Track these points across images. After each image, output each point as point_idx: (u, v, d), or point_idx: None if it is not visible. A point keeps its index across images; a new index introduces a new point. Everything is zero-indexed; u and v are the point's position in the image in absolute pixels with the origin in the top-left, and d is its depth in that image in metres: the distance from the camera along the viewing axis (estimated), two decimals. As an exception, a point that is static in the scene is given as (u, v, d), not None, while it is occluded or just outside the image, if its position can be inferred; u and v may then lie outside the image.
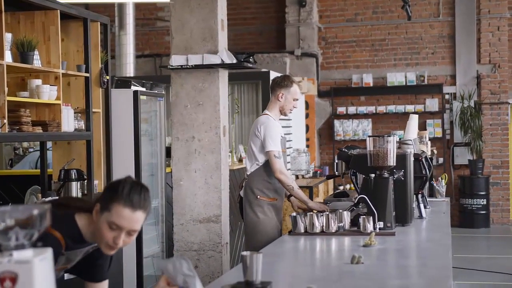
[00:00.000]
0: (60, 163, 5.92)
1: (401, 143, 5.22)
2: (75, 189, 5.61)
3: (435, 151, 9.57)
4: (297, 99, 5.53)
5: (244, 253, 2.81)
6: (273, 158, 5.23)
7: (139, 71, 12.62)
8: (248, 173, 5.44)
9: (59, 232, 2.63)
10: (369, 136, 4.59)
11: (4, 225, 1.83)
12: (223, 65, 6.28)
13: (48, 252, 1.87)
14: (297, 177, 10.03)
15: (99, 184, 6.01)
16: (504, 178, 12.85)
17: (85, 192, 5.82)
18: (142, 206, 2.61)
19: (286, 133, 10.44)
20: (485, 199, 12.46)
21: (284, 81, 5.49)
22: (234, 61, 6.33)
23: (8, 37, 4.86)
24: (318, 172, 11.24)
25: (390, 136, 4.56)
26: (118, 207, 2.59)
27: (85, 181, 5.79)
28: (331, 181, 11.38)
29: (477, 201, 12.43)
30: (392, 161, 4.52)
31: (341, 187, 12.70)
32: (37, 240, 2.06)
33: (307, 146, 12.48)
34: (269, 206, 5.36)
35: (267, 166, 5.31)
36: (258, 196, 5.34)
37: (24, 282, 1.80)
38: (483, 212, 12.48)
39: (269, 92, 9.89)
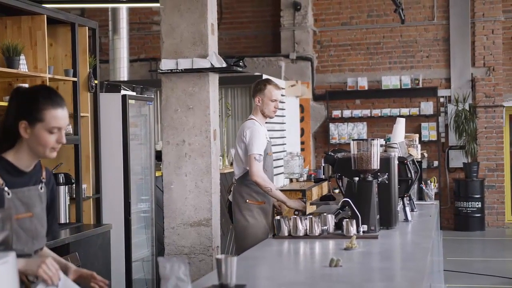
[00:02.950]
0: (48, 167, 5.92)
1: (387, 146, 5.23)
2: (63, 193, 5.62)
3: (426, 154, 9.59)
4: (275, 100, 5.57)
5: (219, 256, 2.84)
6: (252, 160, 5.32)
7: (135, 75, 12.64)
8: (236, 178, 5.49)
9: None
10: (353, 140, 4.60)
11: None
12: (213, 69, 6.30)
13: (11, 256, 1.89)
14: (291, 180, 10.05)
15: (87, 188, 6.02)
16: (499, 181, 12.86)
17: (73, 196, 5.83)
18: (63, 101, 2.80)
19: (280, 136, 10.48)
20: (480, 202, 12.46)
21: (258, 85, 5.61)
22: (224, 65, 6.34)
23: (-6, 42, 4.89)
24: (313, 175, 11.26)
25: (374, 139, 4.57)
26: (50, 112, 2.72)
27: (73, 185, 5.80)
28: (325, 184, 11.39)
29: (472, 204, 12.44)
30: (376, 164, 4.53)
31: (337, 191, 12.72)
32: None
33: (302, 149, 12.50)
34: (258, 209, 5.41)
35: None
36: (247, 200, 5.40)
37: (-16, 285, 1.81)
38: (478, 215, 12.49)
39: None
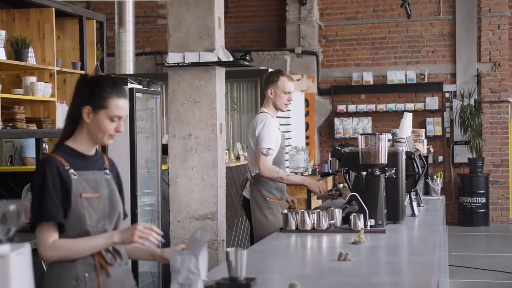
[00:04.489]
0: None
1: (394, 141, 5.23)
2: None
3: (432, 149, 9.59)
4: (288, 92, 5.41)
5: (229, 249, 2.83)
6: (260, 155, 5.22)
7: (140, 68, 12.64)
8: (253, 174, 5.36)
9: (54, 153, 2.87)
10: (360, 134, 4.60)
11: (-19, 221, 1.86)
12: (219, 63, 6.30)
13: (26, 247, 1.90)
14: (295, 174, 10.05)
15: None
16: (503, 176, 12.85)
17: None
18: (125, 92, 2.93)
19: (285, 130, 10.48)
20: (484, 198, 12.46)
21: (270, 77, 5.44)
22: (231, 59, 6.34)
23: (2, 34, 4.89)
24: (318, 170, 11.26)
25: (381, 134, 4.57)
26: (114, 101, 2.85)
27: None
28: (330, 179, 11.40)
29: (476, 199, 12.44)
30: (383, 159, 4.53)
31: (341, 185, 12.72)
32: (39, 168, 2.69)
33: (307, 144, 12.50)
34: (278, 206, 5.34)
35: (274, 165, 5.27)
36: (267, 198, 5.29)
37: (0, 277, 1.82)
38: (483, 210, 12.49)
39: (267, 90, 9.98)
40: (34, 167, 6.23)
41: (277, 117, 5.60)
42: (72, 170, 2.85)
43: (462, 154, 12.82)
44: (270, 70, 10.20)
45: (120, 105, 2.87)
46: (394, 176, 4.67)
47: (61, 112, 5.46)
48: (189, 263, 2.65)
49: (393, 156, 4.68)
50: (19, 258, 1.86)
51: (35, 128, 5.16)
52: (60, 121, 5.45)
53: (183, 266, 2.65)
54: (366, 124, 13.07)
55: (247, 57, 6.65)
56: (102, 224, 2.90)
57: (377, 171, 4.55)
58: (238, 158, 8.60)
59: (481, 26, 12.84)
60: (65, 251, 2.81)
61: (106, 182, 2.97)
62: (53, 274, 2.86)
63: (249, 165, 5.46)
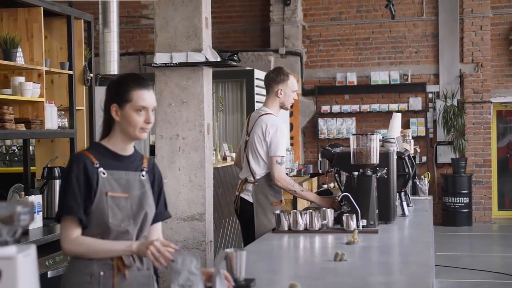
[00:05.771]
0: (43, 160, 5.90)
1: (384, 141, 5.24)
2: (59, 187, 5.58)
3: (418, 150, 9.62)
4: (295, 90, 5.30)
5: (228, 250, 2.82)
6: (274, 164, 5.03)
7: (123, 69, 12.58)
8: (258, 177, 5.18)
9: (86, 150, 2.95)
10: (352, 134, 4.61)
11: (-13, 222, 1.83)
12: (207, 63, 6.29)
13: (32, 249, 1.88)
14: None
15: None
16: (486, 176, 12.94)
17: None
18: (149, 85, 2.98)
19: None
20: (467, 198, 12.54)
21: (280, 76, 5.23)
22: (218, 59, 6.33)
23: (-10, 34, 4.85)
24: (302, 170, 11.28)
25: (373, 134, 4.58)
26: (137, 93, 2.91)
27: (69, 179, 5.75)
28: (315, 179, 11.43)
29: (459, 199, 12.52)
30: (375, 159, 4.54)
31: (325, 186, 12.75)
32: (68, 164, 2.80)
33: (292, 144, 12.51)
34: (279, 209, 5.27)
35: None
36: (273, 203, 5.17)
37: (8, 278, 1.79)
38: (466, 210, 12.57)
39: (253, 90, 9.98)
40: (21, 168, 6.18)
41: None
42: (101, 169, 2.90)
43: (445, 155, 12.89)
44: (256, 71, 10.23)
45: (143, 96, 2.92)
46: (386, 176, 4.68)
47: (49, 113, 5.41)
48: (190, 265, 2.65)
49: (384, 156, 4.69)
50: (26, 260, 1.84)
51: (24, 128, 5.10)
52: (48, 122, 5.40)
53: (183, 268, 2.64)
54: (350, 124, 13.10)
55: (235, 57, 6.65)
56: (126, 224, 2.93)
57: (368, 171, 4.56)
58: (224, 158, 8.58)
59: (464, 27, 12.92)
60: (85, 249, 2.86)
61: (139, 184, 3.00)
62: (72, 269, 2.92)
63: (252, 167, 5.19)
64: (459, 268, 8.93)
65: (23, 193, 5.65)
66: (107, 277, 2.88)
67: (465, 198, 12.52)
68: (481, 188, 12.93)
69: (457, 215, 12.52)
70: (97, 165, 2.89)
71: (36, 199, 5.01)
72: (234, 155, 8.54)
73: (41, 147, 6.00)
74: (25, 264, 1.83)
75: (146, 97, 2.93)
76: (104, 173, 2.89)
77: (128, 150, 3.01)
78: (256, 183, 5.18)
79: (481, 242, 11.39)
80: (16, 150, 9.60)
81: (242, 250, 2.85)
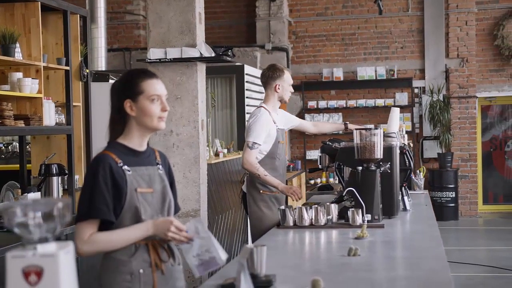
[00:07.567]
0: (39, 157, 5.84)
1: (385, 136, 5.24)
2: (56, 184, 5.53)
3: (412, 144, 9.66)
4: (291, 83, 5.58)
5: (249, 246, 2.80)
6: (245, 147, 5.29)
7: (109, 65, 12.48)
8: None
9: (107, 150, 2.91)
10: (356, 129, 4.60)
11: (27, 219, 1.80)
12: (201, 59, 6.25)
13: (70, 245, 1.85)
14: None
15: (80, 179, 5.93)
16: (472, 171, 13.02)
17: (66, 187, 5.74)
18: (156, 75, 2.99)
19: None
20: (453, 192, 12.61)
21: (276, 72, 5.48)
22: (213, 54, 6.30)
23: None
24: (291, 166, 11.28)
25: (376, 129, 4.58)
26: (147, 83, 2.91)
27: (66, 176, 5.70)
28: (303, 175, 11.42)
29: (446, 194, 12.58)
30: (379, 153, 4.54)
31: (312, 181, 12.77)
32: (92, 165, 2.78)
33: (278, 140, 12.48)
34: (273, 199, 5.37)
35: (268, 159, 5.31)
36: (261, 191, 5.34)
37: (50, 275, 1.77)
38: (452, 204, 12.63)
39: (243, 86, 9.93)
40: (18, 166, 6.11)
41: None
42: (125, 167, 2.87)
43: (431, 149, 12.95)
44: (246, 66, 10.19)
45: (154, 85, 2.92)
46: (389, 171, 4.68)
47: (47, 109, 5.35)
48: (198, 231, 2.82)
49: (387, 150, 4.69)
50: (67, 257, 1.81)
51: (23, 125, 5.04)
52: (47, 118, 5.34)
53: (195, 235, 2.80)
54: (336, 120, 13.11)
55: (229, 53, 6.62)
56: (155, 219, 2.90)
57: (372, 166, 4.55)
58: (217, 154, 8.54)
59: (449, 22, 12.98)
60: (102, 246, 2.83)
61: (159, 178, 2.98)
62: (108, 267, 2.88)
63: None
64: (449, 262, 8.96)
65: (19, 190, 5.59)
66: (147, 275, 2.86)
67: (451, 192, 12.59)
68: (467, 182, 13.00)
69: (444, 210, 12.58)
70: (121, 164, 2.87)
71: (36, 196, 4.95)
72: (226, 151, 8.52)
73: (36, 144, 5.93)
74: (66, 261, 1.81)
75: (157, 85, 2.93)
76: (129, 171, 2.88)
77: (144, 145, 2.99)
78: (248, 174, 5.40)
79: (468, 236, 11.46)
80: (3, 147, 9.49)
81: (263, 246, 2.83)
